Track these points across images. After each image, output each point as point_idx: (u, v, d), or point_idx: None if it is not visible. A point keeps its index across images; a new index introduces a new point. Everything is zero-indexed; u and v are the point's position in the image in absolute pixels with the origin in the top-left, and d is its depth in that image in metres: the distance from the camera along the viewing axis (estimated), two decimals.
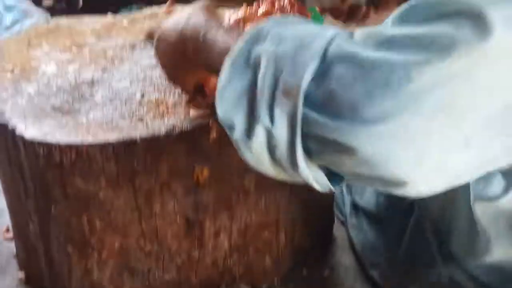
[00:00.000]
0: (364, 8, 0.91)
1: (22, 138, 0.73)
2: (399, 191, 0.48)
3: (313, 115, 0.46)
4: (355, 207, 1.04)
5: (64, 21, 1.15)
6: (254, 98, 0.50)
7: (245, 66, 0.51)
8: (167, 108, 0.78)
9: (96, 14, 3.26)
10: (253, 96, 0.50)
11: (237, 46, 0.52)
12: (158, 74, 0.86)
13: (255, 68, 0.50)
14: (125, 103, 0.80)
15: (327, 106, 0.45)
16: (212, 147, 0.75)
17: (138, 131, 0.72)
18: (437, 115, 0.44)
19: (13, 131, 0.75)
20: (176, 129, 0.72)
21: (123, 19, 1.12)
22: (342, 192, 1.12)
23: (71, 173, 0.73)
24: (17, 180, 0.82)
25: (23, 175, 0.80)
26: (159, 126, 0.73)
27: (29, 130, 0.73)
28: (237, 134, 0.51)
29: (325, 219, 1.02)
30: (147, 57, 0.92)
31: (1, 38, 1.07)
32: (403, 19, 0.48)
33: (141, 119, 0.76)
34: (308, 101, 0.46)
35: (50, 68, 0.91)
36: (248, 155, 0.53)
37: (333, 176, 0.51)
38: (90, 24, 1.12)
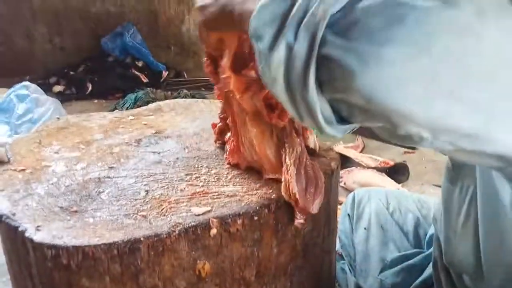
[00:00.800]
0: None
1: (31, 240, 0.76)
2: (401, 131, 0.49)
3: (333, 37, 0.49)
4: None
5: (73, 117, 1.22)
6: (286, 19, 0.54)
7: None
8: (170, 204, 0.82)
9: (103, 98, 3.40)
10: (286, 17, 0.54)
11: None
12: (161, 169, 0.91)
13: None
14: (130, 201, 0.84)
15: (347, 31, 0.49)
16: (213, 242, 0.78)
17: (142, 230, 0.76)
18: (444, 59, 0.46)
19: (22, 233, 0.78)
20: (179, 227, 0.76)
21: (128, 114, 1.19)
22: (345, 272, 1.13)
23: (77, 274, 0.75)
24: (26, 279, 0.84)
25: (31, 275, 0.82)
26: (162, 224, 0.77)
27: (38, 233, 0.76)
28: (263, 45, 0.55)
29: None
30: (151, 153, 0.98)
31: (14, 137, 1.11)
32: None
33: (145, 217, 0.79)
34: (332, 26, 0.50)
35: (59, 167, 0.96)
36: (266, 71, 0.56)
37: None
38: (97, 119, 1.19)
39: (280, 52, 0.53)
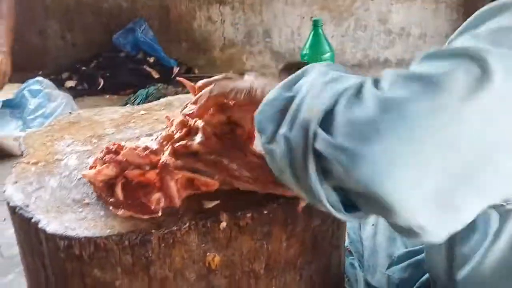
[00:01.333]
0: None
1: (44, 231, 0.78)
2: (401, 220, 0.51)
3: (323, 134, 0.52)
4: (368, 285, 1.05)
5: (85, 112, 1.23)
6: (285, 114, 0.58)
7: (288, 89, 0.60)
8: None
9: (115, 93, 3.41)
10: (285, 112, 0.58)
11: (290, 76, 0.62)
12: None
13: (296, 91, 0.59)
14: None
15: (334, 129, 0.52)
16: (222, 235, 0.79)
17: (153, 223, 0.77)
18: (427, 142, 0.48)
19: (36, 225, 0.79)
20: (189, 220, 0.77)
21: (140, 109, 1.20)
22: (355, 268, 1.13)
23: (89, 265, 0.76)
24: (38, 268, 0.86)
25: (44, 265, 0.84)
26: (173, 216, 0.78)
27: (51, 224, 0.78)
28: (265, 139, 0.60)
29: None
30: None
31: (27, 131, 1.13)
32: (421, 60, 0.56)
33: (156, 210, 0.80)
34: (322, 122, 0.53)
35: (71, 161, 0.97)
36: (272, 163, 0.61)
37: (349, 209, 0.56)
38: (109, 114, 1.20)
39: (281, 145, 0.57)
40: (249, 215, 0.80)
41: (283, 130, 0.56)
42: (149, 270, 0.78)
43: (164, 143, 0.88)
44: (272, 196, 0.83)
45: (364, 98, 0.52)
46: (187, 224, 0.77)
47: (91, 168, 0.88)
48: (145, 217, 0.79)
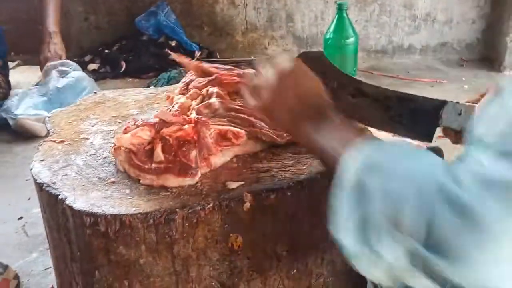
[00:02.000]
0: None
1: (71, 208, 0.79)
2: None
3: (425, 253, 0.51)
4: None
5: (109, 93, 1.24)
6: (364, 227, 0.55)
7: (357, 200, 0.57)
8: (206, 178, 0.83)
9: (137, 77, 3.41)
10: (363, 224, 0.56)
11: (349, 176, 0.58)
12: None
13: (367, 200, 0.56)
14: None
15: (437, 247, 0.50)
16: (246, 216, 0.79)
17: (177, 202, 0.77)
18: None
19: (62, 201, 0.81)
20: (212, 201, 0.77)
21: (163, 90, 1.21)
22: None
23: (114, 242, 0.78)
24: (64, 245, 0.88)
25: (70, 241, 0.85)
26: (197, 196, 0.78)
27: (78, 201, 0.79)
28: (348, 252, 0.58)
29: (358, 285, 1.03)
30: None
31: (53, 110, 1.14)
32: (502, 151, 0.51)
33: (180, 189, 0.81)
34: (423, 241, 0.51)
35: (97, 140, 0.98)
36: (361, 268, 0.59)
37: None
38: (133, 95, 1.21)
39: (370, 258, 0.55)
40: (273, 196, 0.80)
41: (370, 245, 0.55)
42: (173, 249, 0.79)
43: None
44: (296, 179, 0.82)
45: (463, 211, 0.50)
46: (211, 204, 0.77)
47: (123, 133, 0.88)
48: (186, 180, 0.80)
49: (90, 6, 3.60)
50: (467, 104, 0.88)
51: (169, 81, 2.82)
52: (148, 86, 2.75)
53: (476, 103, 0.87)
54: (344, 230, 0.57)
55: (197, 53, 3.43)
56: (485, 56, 3.36)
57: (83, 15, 3.64)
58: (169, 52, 1.18)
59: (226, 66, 1.04)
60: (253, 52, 3.60)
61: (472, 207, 0.49)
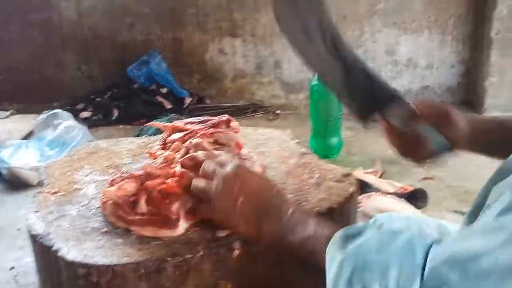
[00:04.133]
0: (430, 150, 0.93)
1: (63, 259, 0.80)
2: None
3: None
4: None
5: (103, 142, 1.28)
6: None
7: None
8: (196, 226, 0.86)
9: (128, 124, 3.47)
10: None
11: (335, 276, 0.60)
12: None
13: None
14: None
15: None
16: (235, 263, 0.81)
17: (168, 251, 0.79)
18: None
19: (56, 252, 0.82)
20: (202, 249, 0.79)
21: (155, 139, 1.25)
22: None
23: None
24: None
25: None
26: (187, 245, 0.81)
27: (71, 252, 0.81)
28: None
29: None
30: None
31: (48, 161, 1.17)
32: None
33: (171, 238, 0.83)
34: None
35: (90, 190, 1.01)
36: None
37: None
38: (126, 145, 1.25)
39: None
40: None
41: None
42: None
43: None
44: None
45: None
46: (201, 253, 0.79)
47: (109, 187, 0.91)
48: (167, 232, 0.82)
49: (82, 56, 3.70)
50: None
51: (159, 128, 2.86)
52: (139, 133, 2.79)
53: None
54: None
55: (188, 100, 3.50)
56: (466, 99, 3.47)
57: (76, 64, 3.73)
58: (150, 124, 1.25)
59: (200, 119, 1.09)
60: (242, 98, 3.69)
61: None
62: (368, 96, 0.92)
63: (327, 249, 0.64)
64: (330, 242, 0.64)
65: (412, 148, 0.94)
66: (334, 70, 0.92)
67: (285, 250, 0.74)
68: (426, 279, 0.53)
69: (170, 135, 1.09)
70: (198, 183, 0.80)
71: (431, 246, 0.56)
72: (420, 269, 0.54)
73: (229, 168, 0.77)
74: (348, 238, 0.63)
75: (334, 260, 0.61)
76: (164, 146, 1.06)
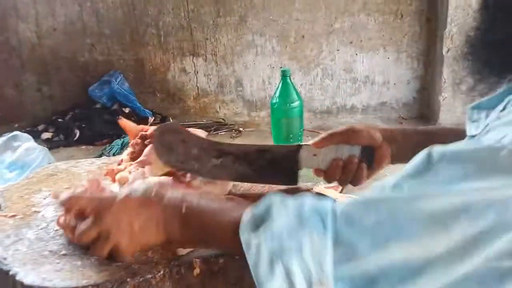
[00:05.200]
0: (356, 164, 0.97)
1: (21, 283, 0.80)
2: None
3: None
4: None
5: (62, 164, 1.27)
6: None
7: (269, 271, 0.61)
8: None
9: (90, 144, 3.42)
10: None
11: (255, 259, 0.62)
12: None
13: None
14: None
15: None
16: (196, 281, 0.82)
17: (128, 271, 0.80)
18: None
19: (13, 277, 0.82)
20: (163, 269, 0.80)
21: (116, 160, 1.25)
22: None
23: None
24: None
25: None
26: (148, 265, 0.81)
27: (29, 276, 0.80)
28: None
29: None
30: None
31: (5, 184, 1.16)
32: None
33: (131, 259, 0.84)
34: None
35: (48, 213, 1.00)
36: None
37: None
38: (86, 166, 1.24)
39: None
40: (221, 261, 0.84)
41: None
42: None
43: None
44: None
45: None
46: (161, 272, 0.80)
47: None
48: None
49: (43, 76, 3.65)
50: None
51: (122, 148, 2.85)
52: (102, 154, 2.77)
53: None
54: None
55: (151, 119, 3.50)
56: (422, 114, 3.61)
57: (36, 85, 3.67)
58: (120, 121, 1.23)
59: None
60: (205, 116, 3.71)
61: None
62: (278, 166, 0.99)
63: (240, 232, 0.66)
64: (241, 224, 0.66)
65: (344, 171, 0.98)
66: (238, 169, 0.98)
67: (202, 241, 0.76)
68: (336, 240, 0.56)
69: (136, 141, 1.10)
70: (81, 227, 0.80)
71: (333, 207, 0.60)
72: (329, 233, 0.57)
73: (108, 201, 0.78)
74: (257, 221, 0.65)
75: (250, 243, 0.63)
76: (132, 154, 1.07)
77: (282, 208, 0.64)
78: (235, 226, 0.67)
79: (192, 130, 0.97)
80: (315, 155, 0.98)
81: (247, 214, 0.67)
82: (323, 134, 0.99)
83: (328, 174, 0.99)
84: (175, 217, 0.74)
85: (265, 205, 0.66)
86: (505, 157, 0.49)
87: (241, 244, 0.64)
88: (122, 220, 0.75)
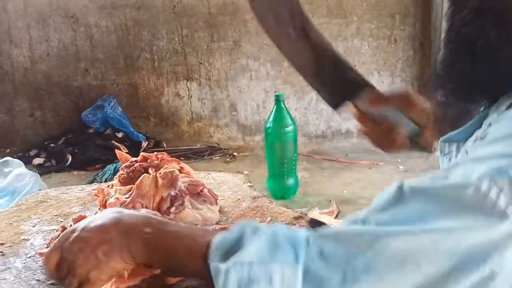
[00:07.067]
0: (402, 138, 0.88)
1: None
2: None
3: None
4: None
5: (52, 191, 1.26)
6: None
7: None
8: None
9: (83, 169, 3.38)
10: None
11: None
12: None
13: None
14: None
15: None
16: None
17: None
18: None
19: None
20: None
21: (106, 186, 1.23)
22: None
23: None
24: None
25: None
26: None
27: None
28: None
29: None
30: None
31: None
32: None
33: None
34: None
35: (37, 241, 0.98)
36: None
37: None
38: (76, 192, 1.23)
39: None
40: None
41: None
42: None
43: None
44: None
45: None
46: None
47: (47, 247, 0.90)
48: None
49: (35, 102, 3.64)
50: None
51: (115, 173, 2.82)
52: (94, 179, 2.74)
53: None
54: None
55: (144, 144, 3.49)
56: None
57: (28, 110, 3.66)
58: (115, 144, 1.23)
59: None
60: (199, 141, 3.71)
61: None
62: (338, 83, 0.91)
63: (209, 258, 0.63)
64: (211, 250, 0.63)
65: (385, 135, 0.91)
66: (302, 53, 0.90)
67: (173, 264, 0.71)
68: (307, 273, 0.55)
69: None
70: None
71: (306, 238, 0.58)
72: (299, 264, 0.56)
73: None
74: (228, 247, 0.63)
75: (219, 270, 0.61)
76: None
77: (254, 236, 0.62)
78: (205, 252, 0.64)
79: None
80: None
81: (218, 240, 0.65)
82: (380, 93, 0.90)
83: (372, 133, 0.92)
84: (137, 238, 0.70)
85: (237, 232, 0.64)
86: (471, 196, 0.52)
87: (209, 270, 0.62)
88: (84, 250, 0.71)
